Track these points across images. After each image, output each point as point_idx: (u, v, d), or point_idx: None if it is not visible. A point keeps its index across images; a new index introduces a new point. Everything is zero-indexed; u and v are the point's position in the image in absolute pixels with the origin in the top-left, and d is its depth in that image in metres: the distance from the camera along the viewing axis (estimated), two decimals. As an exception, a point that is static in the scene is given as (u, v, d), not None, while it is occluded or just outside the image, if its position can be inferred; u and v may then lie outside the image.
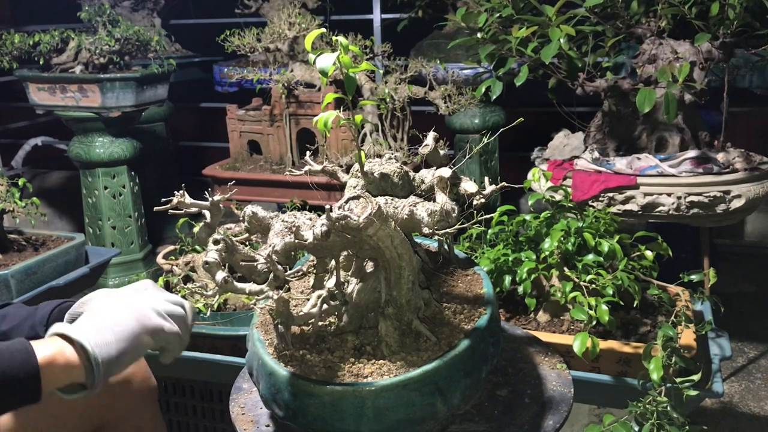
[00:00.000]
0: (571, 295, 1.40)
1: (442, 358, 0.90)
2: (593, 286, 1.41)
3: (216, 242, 0.90)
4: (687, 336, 1.39)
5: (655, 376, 1.19)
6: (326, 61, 0.87)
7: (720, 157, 2.05)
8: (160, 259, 1.92)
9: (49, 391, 0.92)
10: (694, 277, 1.48)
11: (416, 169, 1.07)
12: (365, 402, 0.88)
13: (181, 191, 0.93)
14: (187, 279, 1.78)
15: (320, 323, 0.99)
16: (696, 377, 1.24)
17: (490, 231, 1.63)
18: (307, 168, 1.08)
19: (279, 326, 0.95)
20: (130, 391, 1.19)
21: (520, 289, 1.48)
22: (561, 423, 1.02)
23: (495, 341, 0.99)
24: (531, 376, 1.12)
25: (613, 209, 1.98)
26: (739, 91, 2.80)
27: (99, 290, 1.07)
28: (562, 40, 1.89)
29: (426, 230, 0.92)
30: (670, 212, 1.97)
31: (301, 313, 0.97)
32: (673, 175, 1.99)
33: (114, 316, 0.96)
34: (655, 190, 1.98)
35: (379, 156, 1.06)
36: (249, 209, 0.99)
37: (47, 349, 0.91)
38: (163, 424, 1.29)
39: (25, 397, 0.90)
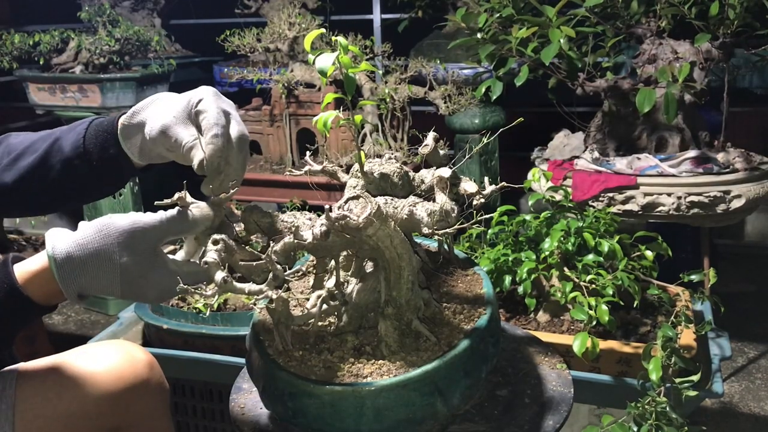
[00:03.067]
0: (571, 295, 1.40)
1: (441, 358, 0.90)
2: (593, 286, 1.41)
3: (215, 242, 0.90)
4: (687, 336, 1.39)
5: (654, 377, 1.19)
6: (326, 61, 0.87)
7: (720, 157, 2.05)
8: (160, 259, 1.92)
9: (51, 297, 0.92)
10: (694, 277, 1.48)
11: (416, 169, 1.07)
12: (365, 402, 0.88)
13: (183, 191, 0.93)
14: (187, 279, 1.78)
15: (320, 323, 0.99)
16: (696, 377, 1.24)
17: (490, 231, 1.63)
18: (307, 168, 1.07)
19: (279, 326, 0.95)
20: (146, 394, 1.18)
21: (520, 289, 1.48)
22: (561, 423, 1.02)
23: (495, 341, 0.99)
24: (531, 376, 1.12)
25: (613, 209, 1.98)
26: (739, 91, 2.80)
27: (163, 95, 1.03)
28: (562, 41, 1.89)
29: (426, 230, 0.92)
30: (670, 212, 1.97)
31: (301, 314, 0.97)
32: (673, 175, 1.99)
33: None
34: (655, 190, 1.98)
35: (379, 156, 1.06)
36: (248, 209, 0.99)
37: (34, 258, 0.92)
38: (173, 428, 1.28)
39: (18, 311, 0.91)
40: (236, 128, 0.95)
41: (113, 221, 0.90)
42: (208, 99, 0.96)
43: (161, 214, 0.93)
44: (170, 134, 0.96)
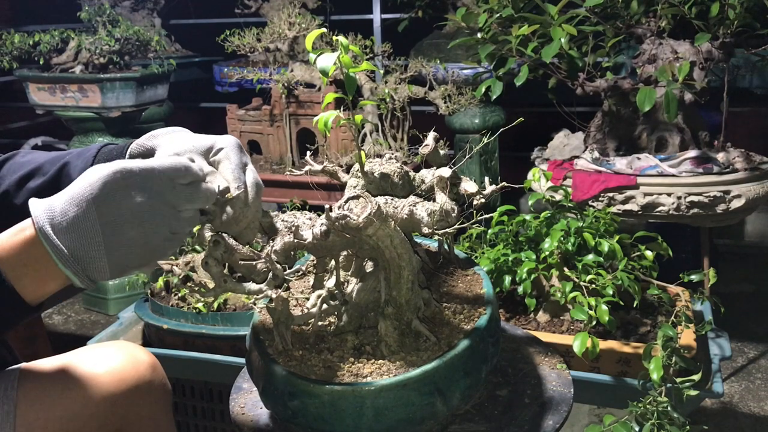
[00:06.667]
0: (571, 295, 1.40)
1: (441, 358, 0.90)
2: (593, 286, 1.41)
3: (215, 243, 0.90)
4: (687, 336, 1.39)
5: (655, 376, 1.19)
6: (326, 61, 0.87)
7: (720, 157, 2.05)
8: (160, 259, 1.92)
9: (32, 286, 0.80)
10: (694, 277, 1.48)
11: (416, 169, 1.07)
12: (365, 402, 0.88)
13: None
14: (187, 279, 1.78)
15: (320, 323, 0.99)
16: (696, 377, 1.24)
17: (490, 231, 1.63)
18: (307, 168, 1.07)
19: (278, 326, 0.95)
20: (148, 396, 1.17)
21: (520, 289, 1.48)
22: (561, 423, 1.01)
23: (495, 341, 0.99)
24: (531, 376, 1.12)
25: (613, 209, 1.98)
26: (739, 91, 2.80)
27: (179, 129, 0.99)
28: (563, 40, 1.89)
29: (426, 230, 0.92)
30: (670, 212, 1.97)
31: (301, 313, 0.97)
32: (673, 175, 1.99)
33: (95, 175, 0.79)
34: (655, 190, 1.98)
35: (379, 156, 1.06)
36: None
37: (8, 231, 0.80)
38: (174, 430, 1.28)
39: None
40: (252, 176, 0.94)
41: (99, 168, 0.80)
42: (232, 150, 0.94)
43: (154, 160, 0.84)
44: None
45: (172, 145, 0.96)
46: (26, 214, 1.03)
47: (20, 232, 0.81)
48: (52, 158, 1.08)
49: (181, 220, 0.84)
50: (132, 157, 1.02)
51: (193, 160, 0.90)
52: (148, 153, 1.00)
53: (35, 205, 0.81)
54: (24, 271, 0.80)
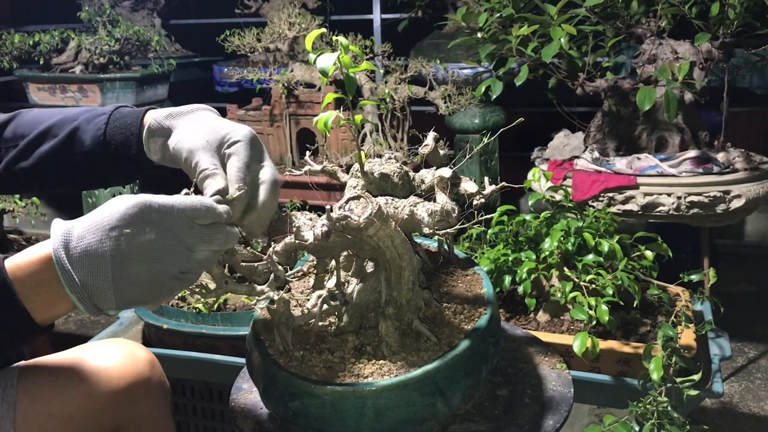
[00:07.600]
0: (571, 295, 1.40)
1: (442, 359, 0.90)
2: (593, 286, 1.41)
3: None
4: (687, 336, 1.39)
5: (655, 376, 1.19)
6: (326, 61, 0.86)
7: (720, 157, 2.05)
8: (160, 259, 1.92)
9: (42, 310, 0.79)
10: (694, 277, 1.48)
11: (416, 169, 1.07)
12: (366, 402, 0.88)
13: (191, 188, 0.92)
14: (187, 279, 1.78)
15: (320, 323, 0.99)
16: (696, 377, 1.24)
17: (490, 231, 1.63)
18: (306, 168, 1.07)
19: (279, 326, 0.95)
20: (147, 392, 1.18)
21: (520, 289, 1.48)
22: (561, 423, 1.02)
23: (495, 341, 0.99)
24: (531, 376, 1.12)
25: (613, 209, 1.98)
26: (739, 91, 2.80)
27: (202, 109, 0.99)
28: (563, 40, 1.90)
29: (426, 230, 0.92)
30: (670, 212, 1.97)
31: (302, 314, 0.97)
32: (673, 175, 1.99)
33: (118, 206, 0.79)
34: (655, 190, 1.98)
35: (379, 156, 1.06)
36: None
37: (27, 250, 0.80)
38: (173, 427, 1.28)
39: (5, 317, 0.78)
40: (269, 172, 0.93)
41: (122, 199, 0.80)
42: (243, 145, 0.93)
43: (177, 197, 0.83)
44: (194, 156, 0.93)
45: (186, 135, 0.95)
46: (34, 177, 1.02)
47: (37, 251, 0.81)
48: (59, 120, 1.06)
49: (194, 261, 0.82)
50: (151, 131, 1.00)
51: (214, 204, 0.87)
52: (166, 132, 0.99)
53: (56, 226, 0.81)
54: (36, 291, 0.79)
